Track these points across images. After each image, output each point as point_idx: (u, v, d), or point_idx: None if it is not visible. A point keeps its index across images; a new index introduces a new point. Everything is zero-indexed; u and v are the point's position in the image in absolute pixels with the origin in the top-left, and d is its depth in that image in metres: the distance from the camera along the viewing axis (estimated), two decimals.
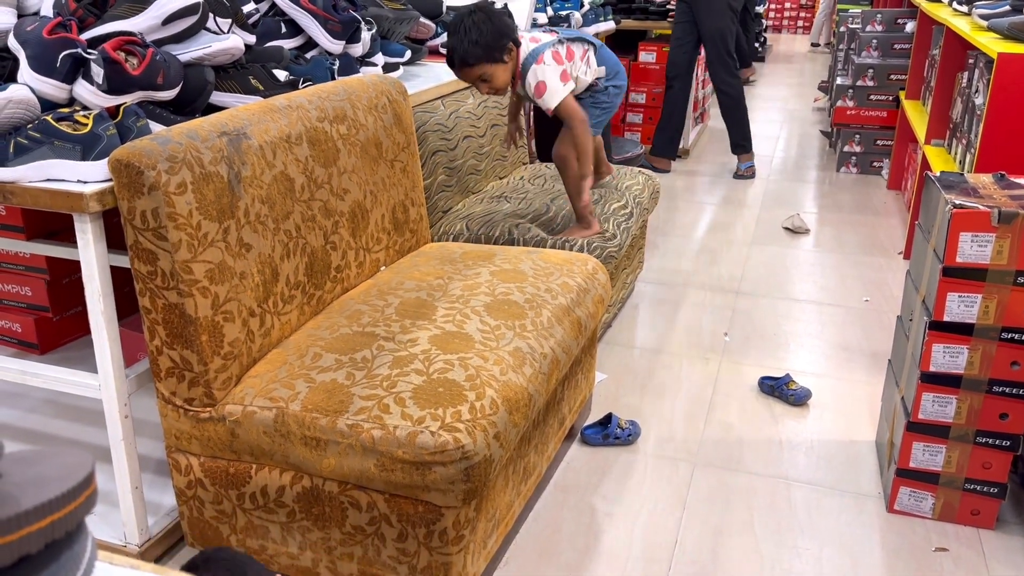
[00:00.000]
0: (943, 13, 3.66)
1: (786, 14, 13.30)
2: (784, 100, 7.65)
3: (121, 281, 1.88)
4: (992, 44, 2.57)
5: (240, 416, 1.61)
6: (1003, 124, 2.47)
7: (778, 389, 2.56)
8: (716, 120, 6.73)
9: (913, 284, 2.10)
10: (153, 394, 1.74)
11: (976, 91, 3.06)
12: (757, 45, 10.00)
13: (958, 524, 2.03)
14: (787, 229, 4.13)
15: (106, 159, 1.52)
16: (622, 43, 5.51)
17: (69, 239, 2.31)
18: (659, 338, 2.98)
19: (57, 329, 2.58)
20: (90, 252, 1.58)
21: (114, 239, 1.70)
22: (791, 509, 2.08)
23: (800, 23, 13.25)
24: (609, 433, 2.29)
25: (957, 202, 1.84)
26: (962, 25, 3.15)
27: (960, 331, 1.89)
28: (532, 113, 3.85)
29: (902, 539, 1.98)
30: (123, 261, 1.70)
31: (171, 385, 1.64)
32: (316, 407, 1.58)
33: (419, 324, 1.82)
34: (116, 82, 1.59)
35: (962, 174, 2.07)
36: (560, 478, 2.19)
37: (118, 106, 1.61)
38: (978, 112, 2.88)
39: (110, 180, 1.53)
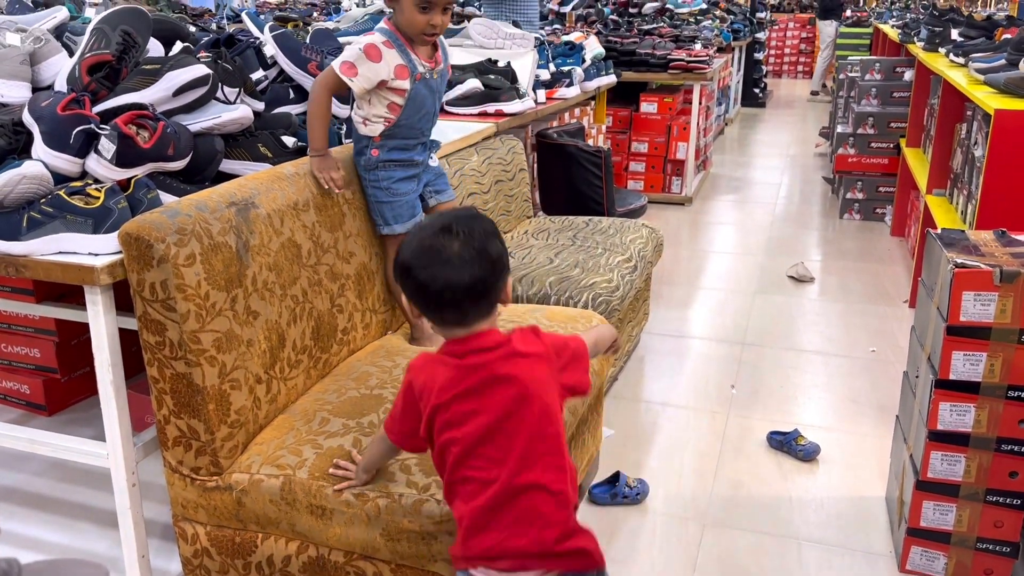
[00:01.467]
0: (940, 64, 3.71)
1: (786, 59, 13.48)
2: (786, 146, 7.71)
3: (130, 341, 1.89)
4: (989, 99, 2.61)
5: (247, 484, 1.61)
6: (1003, 179, 2.50)
7: (787, 444, 2.55)
8: (719, 167, 6.80)
9: (918, 341, 2.10)
10: (161, 456, 1.74)
11: (975, 143, 3.09)
12: (757, 91, 10.13)
13: None
14: (792, 278, 4.14)
15: (117, 232, 1.54)
16: (624, 95, 5.58)
17: (78, 301, 2.33)
18: (665, 391, 2.98)
19: (65, 390, 2.59)
20: (100, 323, 1.60)
21: (123, 300, 1.71)
22: (803, 570, 2.06)
23: (800, 68, 13.41)
24: (617, 492, 2.28)
25: (959, 261, 1.85)
26: (959, 78, 3.19)
27: (966, 389, 1.89)
28: (536, 165, 3.89)
29: None
30: (132, 323, 1.71)
31: (178, 454, 1.64)
32: (323, 474, 1.58)
33: None
34: (127, 156, 1.62)
35: (963, 231, 2.09)
36: None
37: (129, 178, 1.64)
38: (978, 164, 2.90)
39: (121, 252, 1.55)
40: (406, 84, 1.96)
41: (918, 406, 2.05)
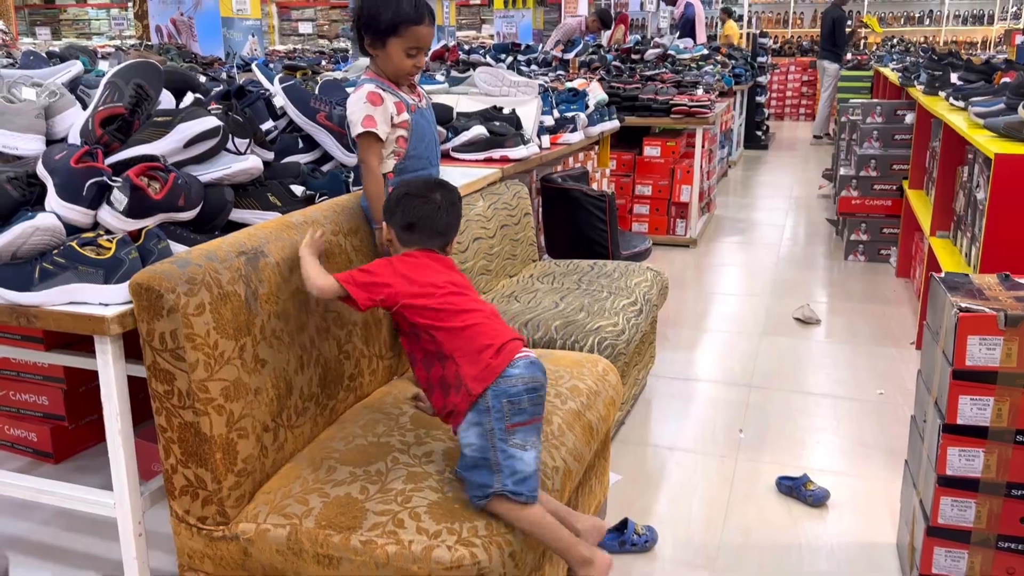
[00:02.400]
0: (940, 108, 3.76)
1: (787, 101, 13.62)
2: (789, 187, 7.76)
3: (137, 388, 1.89)
4: (989, 143, 2.64)
5: (253, 534, 1.61)
6: (1005, 222, 2.51)
7: (796, 490, 2.53)
8: (723, 209, 6.84)
9: (925, 385, 2.09)
10: (167, 505, 1.74)
11: (977, 185, 3.12)
12: (760, 133, 10.22)
13: None
14: (798, 320, 4.15)
15: (127, 282, 1.56)
16: (627, 138, 5.64)
17: (87, 349, 2.34)
18: (673, 435, 2.97)
19: (72, 438, 2.59)
20: (109, 372, 1.61)
21: (132, 347, 1.72)
22: None
23: (802, 110, 13.54)
24: (626, 540, 2.26)
25: (963, 305, 1.86)
26: (959, 122, 3.23)
27: (974, 434, 1.88)
28: (541, 209, 3.93)
29: None
30: (140, 371, 1.71)
31: (185, 503, 1.64)
32: (330, 523, 1.58)
33: (433, 435, 1.83)
34: (139, 207, 1.65)
35: (967, 275, 2.10)
36: None
37: (140, 229, 1.67)
38: (980, 207, 2.92)
39: (131, 302, 1.57)
40: (407, 116, 2.07)
41: (927, 451, 2.04)
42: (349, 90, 2.85)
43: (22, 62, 4.37)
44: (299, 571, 1.59)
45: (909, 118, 5.11)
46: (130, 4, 13.01)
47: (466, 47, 8.74)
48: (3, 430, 2.62)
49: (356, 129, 2.00)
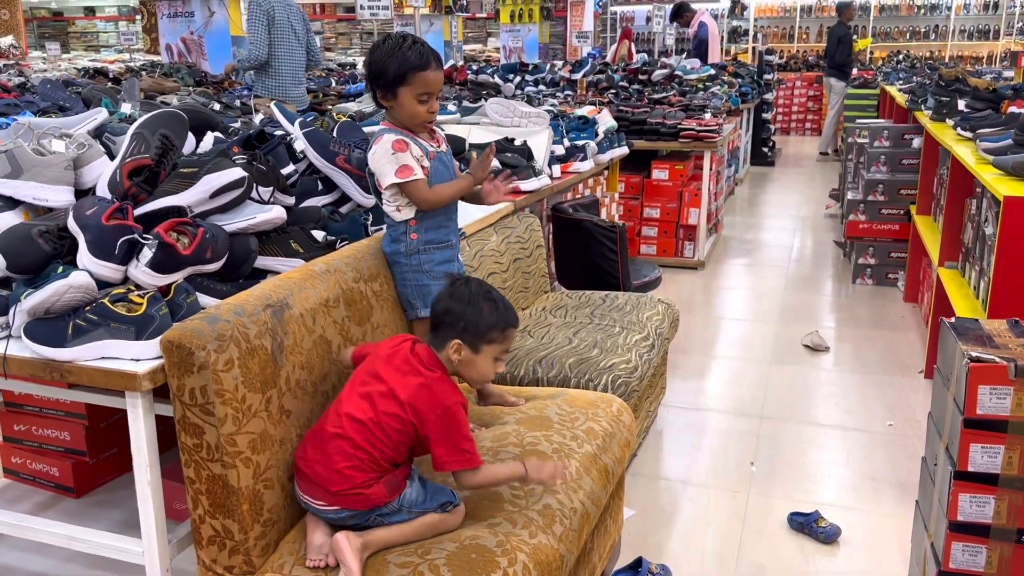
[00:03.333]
0: (948, 138, 3.79)
1: (794, 116, 13.66)
2: (796, 206, 7.79)
3: (158, 420, 1.90)
4: (997, 183, 2.67)
5: None
6: (1015, 264, 2.54)
7: (808, 526, 2.56)
8: (730, 229, 6.87)
9: (936, 428, 2.12)
10: (192, 548, 1.78)
11: (985, 220, 3.15)
12: (766, 149, 10.26)
13: None
14: (807, 347, 4.17)
15: (158, 338, 1.60)
16: (636, 160, 5.69)
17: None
18: (685, 468, 3.00)
19: (93, 472, 2.63)
20: (139, 426, 1.65)
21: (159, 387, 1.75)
22: None
23: (808, 125, 13.58)
24: None
25: (974, 355, 1.89)
26: (967, 155, 3.26)
27: (985, 481, 1.91)
28: (551, 236, 3.97)
29: None
30: (166, 409, 1.73)
31: (212, 553, 1.68)
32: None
33: (448, 480, 1.86)
34: (168, 263, 1.70)
35: (977, 320, 2.13)
36: None
37: (169, 284, 1.71)
38: (988, 242, 2.95)
39: (162, 357, 1.61)
40: (428, 163, 2.11)
41: (937, 495, 2.06)
42: (367, 130, 2.91)
43: (39, 89, 4.44)
44: None
45: (916, 142, 5.14)
46: (138, 17, 13.13)
47: (474, 67, 8.81)
48: (26, 464, 2.66)
49: (388, 180, 2.04)
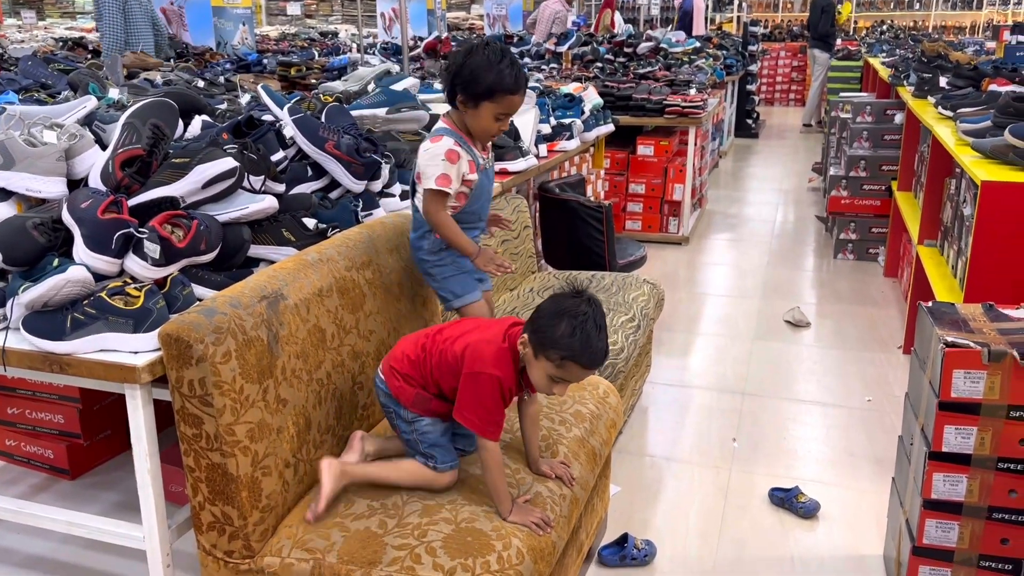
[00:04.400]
0: (928, 116, 3.84)
1: (777, 87, 13.67)
2: (779, 180, 7.85)
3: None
4: (976, 167, 2.72)
5: (278, 568, 1.69)
6: (991, 247, 2.60)
7: (788, 502, 2.64)
8: (714, 203, 6.92)
9: (912, 410, 2.20)
10: (191, 532, 1.82)
11: (964, 200, 3.21)
12: (750, 121, 10.29)
13: None
14: (788, 323, 4.25)
15: (156, 331, 1.63)
16: (621, 136, 5.70)
17: None
18: (669, 445, 3.07)
19: (88, 454, 2.66)
20: (139, 416, 1.69)
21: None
22: None
23: (792, 95, 13.61)
24: (626, 554, 2.37)
25: (949, 340, 1.95)
26: (947, 136, 3.31)
27: (958, 461, 1.99)
28: (538, 214, 4.00)
29: None
30: (163, 394, 1.76)
31: (212, 538, 1.73)
32: (351, 558, 1.66)
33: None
34: (164, 256, 1.72)
35: (953, 304, 2.19)
36: None
37: (165, 276, 1.73)
38: (967, 222, 3.02)
39: (160, 349, 1.64)
40: (474, 176, 2.12)
41: (913, 473, 2.14)
42: (354, 113, 2.91)
43: (21, 65, 4.39)
44: None
45: (899, 118, 5.19)
46: None
47: (459, 37, 8.75)
48: (20, 447, 2.69)
49: (428, 183, 2.05)
